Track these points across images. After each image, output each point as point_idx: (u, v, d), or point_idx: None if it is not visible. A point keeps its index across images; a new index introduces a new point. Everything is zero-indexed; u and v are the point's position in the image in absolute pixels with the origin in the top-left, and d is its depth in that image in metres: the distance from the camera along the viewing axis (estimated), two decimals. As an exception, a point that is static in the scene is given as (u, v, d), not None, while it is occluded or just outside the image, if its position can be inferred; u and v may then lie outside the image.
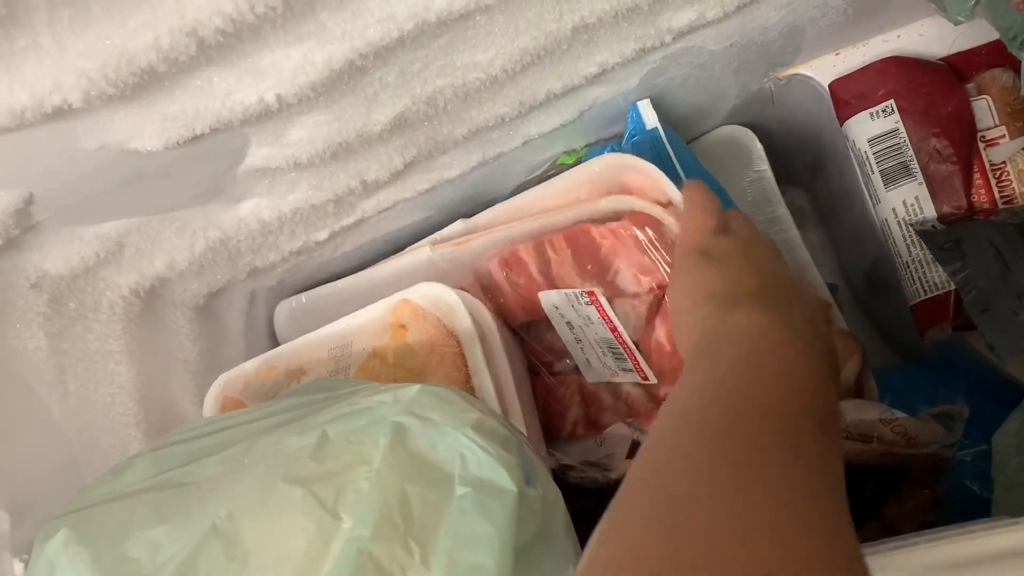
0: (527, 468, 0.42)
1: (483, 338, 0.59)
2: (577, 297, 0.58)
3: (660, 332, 0.56)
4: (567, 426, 0.61)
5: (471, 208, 0.73)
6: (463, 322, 0.58)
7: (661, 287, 0.55)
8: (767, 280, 0.39)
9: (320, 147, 0.51)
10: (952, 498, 0.70)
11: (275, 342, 0.78)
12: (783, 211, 0.69)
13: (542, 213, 0.57)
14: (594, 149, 0.63)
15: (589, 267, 0.57)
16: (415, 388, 0.43)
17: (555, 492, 0.42)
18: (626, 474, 0.29)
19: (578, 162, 0.63)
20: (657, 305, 0.56)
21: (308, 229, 0.64)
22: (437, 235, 0.69)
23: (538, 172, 0.66)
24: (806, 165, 0.79)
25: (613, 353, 0.58)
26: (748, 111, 0.71)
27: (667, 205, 0.54)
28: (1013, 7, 0.49)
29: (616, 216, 0.56)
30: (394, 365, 0.59)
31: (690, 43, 0.56)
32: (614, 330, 0.57)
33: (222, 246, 0.61)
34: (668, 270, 0.54)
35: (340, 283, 0.74)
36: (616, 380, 0.59)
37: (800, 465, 0.27)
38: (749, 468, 0.26)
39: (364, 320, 0.61)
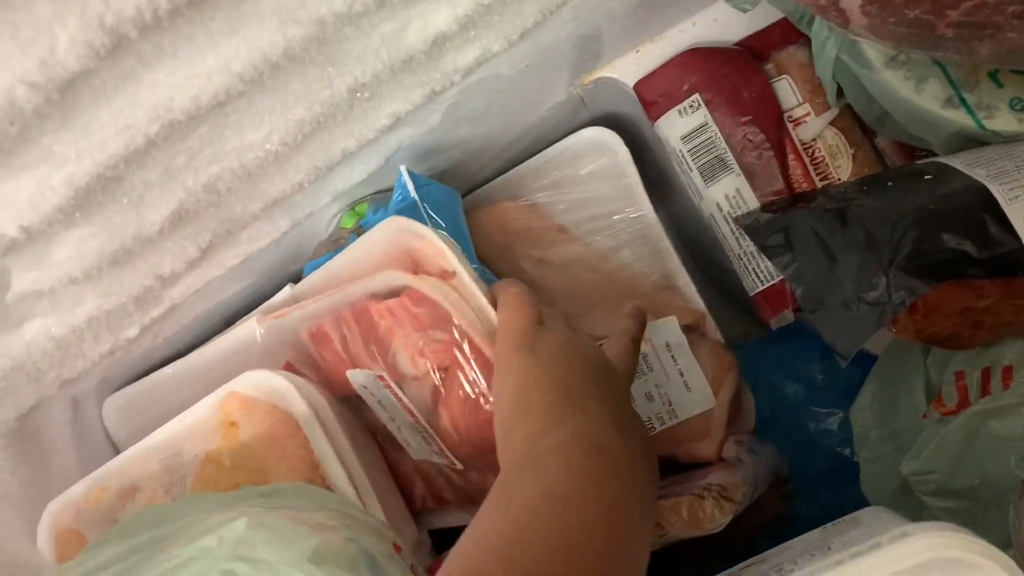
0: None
1: (320, 419, 0.55)
2: (376, 380, 0.53)
3: (445, 420, 0.52)
4: (417, 501, 0.58)
5: (298, 266, 0.68)
6: (299, 407, 0.54)
7: (439, 368, 0.51)
8: (588, 380, 0.40)
9: (94, 260, 0.45)
10: (824, 467, 0.72)
11: (113, 443, 0.72)
12: (654, 223, 0.65)
13: (338, 286, 0.53)
14: (374, 204, 0.60)
15: (372, 347, 0.52)
16: (241, 524, 0.39)
17: None
18: None
19: (358, 224, 0.59)
20: (437, 390, 0.52)
21: (113, 331, 0.58)
22: (267, 304, 0.64)
23: (328, 233, 0.62)
24: (633, 157, 0.77)
25: (423, 436, 0.54)
26: (563, 119, 0.69)
27: (451, 276, 0.50)
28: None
29: (396, 292, 0.52)
30: (232, 468, 0.54)
31: (483, 74, 0.53)
32: (412, 414, 0.53)
33: (16, 371, 0.55)
34: (444, 348, 0.50)
35: (169, 369, 0.68)
36: (436, 461, 0.56)
37: None
38: None
39: (191, 423, 0.56)
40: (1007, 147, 0.50)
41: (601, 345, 0.45)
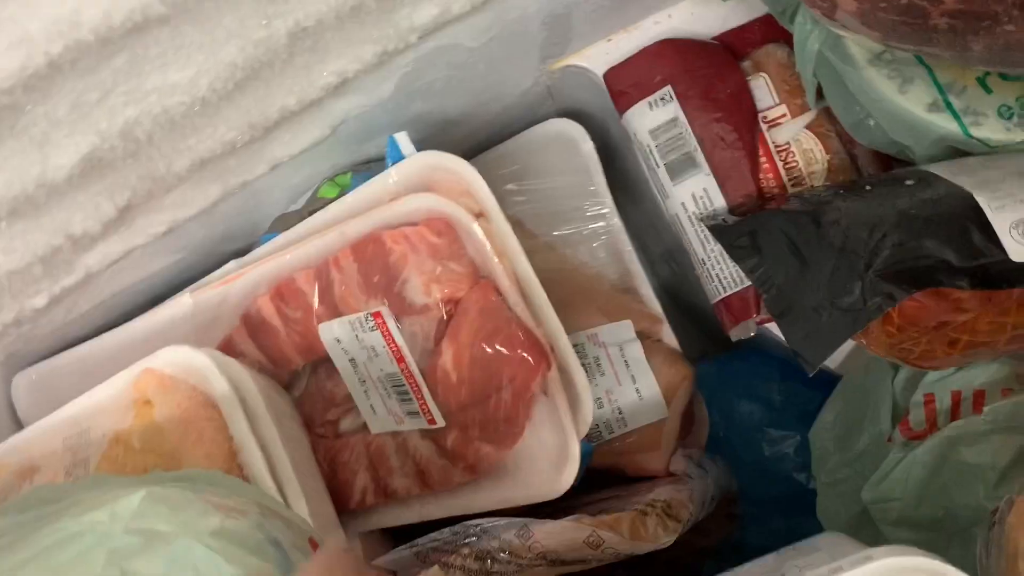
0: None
1: (244, 403, 0.50)
2: (362, 324, 0.51)
3: (447, 357, 0.50)
4: (356, 495, 0.54)
5: (235, 244, 0.63)
6: (219, 385, 0.49)
7: (452, 300, 0.50)
8: None
9: (-10, 206, 0.41)
10: (778, 492, 0.68)
11: (20, 423, 0.67)
12: (616, 222, 0.63)
13: (329, 230, 0.51)
14: (358, 175, 0.56)
15: (376, 279, 0.51)
16: (137, 497, 0.34)
17: None
18: None
19: (342, 193, 0.55)
20: (446, 323, 0.50)
21: (17, 297, 0.53)
22: (203, 280, 0.60)
23: (299, 205, 0.58)
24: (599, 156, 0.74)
25: (398, 392, 0.52)
26: (526, 112, 0.66)
27: (479, 216, 0.48)
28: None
29: (413, 221, 0.50)
30: (142, 451, 0.50)
31: (443, 41, 0.49)
32: (400, 359, 0.51)
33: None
34: (461, 279, 0.49)
35: (84, 347, 0.63)
36: (403, 428, 0.52)
37: None
38: None
39: (101, 399, 0.51)
40: (991, 158, 0.47)
41: None
